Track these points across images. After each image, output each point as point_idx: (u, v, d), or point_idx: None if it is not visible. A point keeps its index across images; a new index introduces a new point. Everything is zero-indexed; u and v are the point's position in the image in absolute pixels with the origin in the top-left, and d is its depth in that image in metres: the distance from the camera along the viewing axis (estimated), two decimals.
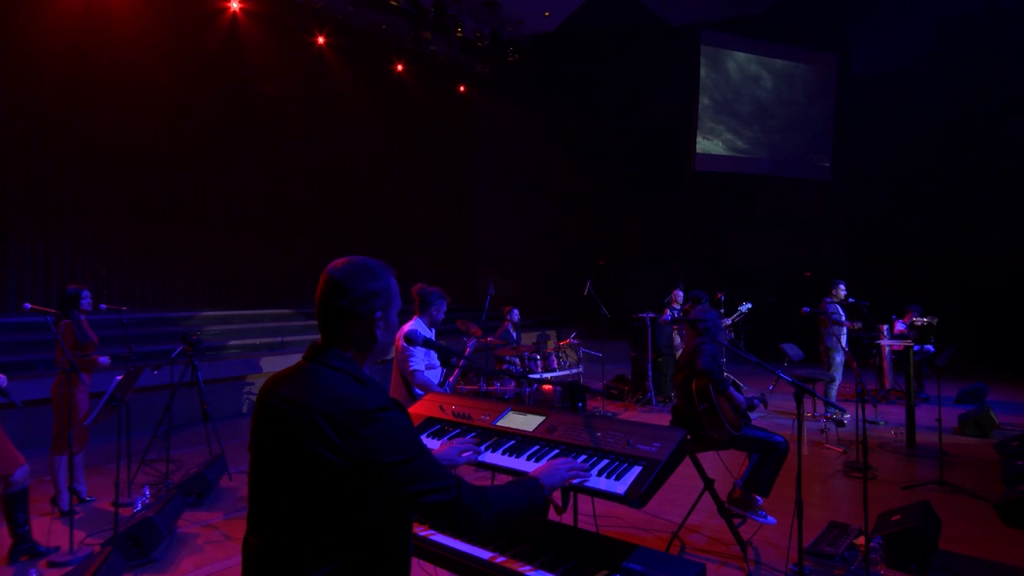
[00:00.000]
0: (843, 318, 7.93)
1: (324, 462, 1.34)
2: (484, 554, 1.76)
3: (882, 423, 7.79)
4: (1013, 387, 10.42)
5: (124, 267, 9.78)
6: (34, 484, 4.84)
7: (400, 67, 13.70)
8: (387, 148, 13.84)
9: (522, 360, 8.09)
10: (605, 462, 1.82)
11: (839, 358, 7.97)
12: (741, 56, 14.92)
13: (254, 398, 8.75)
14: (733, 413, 4.10)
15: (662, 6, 14.33)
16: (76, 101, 9.17)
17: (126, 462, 5.41)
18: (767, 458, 4.21)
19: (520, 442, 2.02)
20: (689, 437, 4.32)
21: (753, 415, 7.82)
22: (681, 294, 9.71)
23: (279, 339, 9.98)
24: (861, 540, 4.04)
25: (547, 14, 13.96)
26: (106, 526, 4.51)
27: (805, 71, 15.25)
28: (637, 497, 1.67)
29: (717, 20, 15.00)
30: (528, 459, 1.93)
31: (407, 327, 4.34)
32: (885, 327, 8.60)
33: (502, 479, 1.82)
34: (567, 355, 9.16)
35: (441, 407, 2.31)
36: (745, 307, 9.10)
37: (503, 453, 1.99)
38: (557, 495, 2.16)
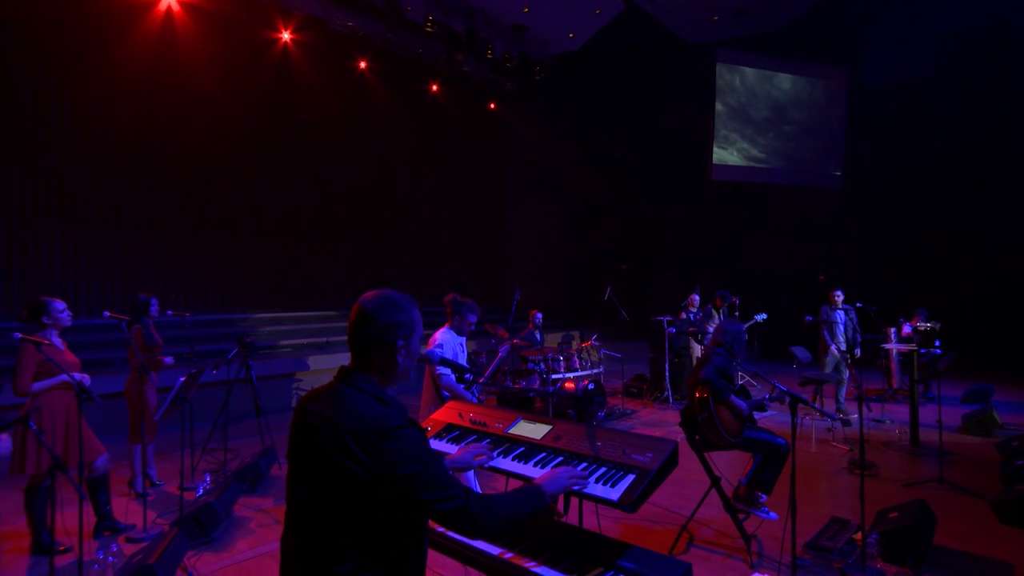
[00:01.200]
0: (839, 322, 7.78)
1: (349, 473, 1.45)
2: (493, 550, 1.85)
3: (888, 422, 7.65)
4: (1020, 388, 10.11)
5: (188, 274, 10.07)
6: (113, 468, 5.13)
7: (435, 87, 13.83)
8: (423, 162, 13.96)
9: (546, 360, 8.13)
10: (603, 470, 1.90)
11: (828, 359, 7.86)
12: (755, 71, 14.73)
13: (302, 394, 9.00)
14: (734, 421, 4.11)
15: (680, 25, 14.22)
16: (147, 125, 9.48)
17: (190, 451, 5.66)
18: (769, 459, 4.22)
19: (529, 449, 2.12)
20: (697, 438, 4.38)
21: (767, 414, 7.81)
22: (698, 298, 9.66)
23: (324, 339, 10.16)
24: (860, 535, 4.03)
25: (571, 35, 13.97)
26: (173, 508, 4.73)
27: (817, 84, 14.97)
28: (629, 503, 1.75)
29: (732, 38, 14.80)
30: (535, 465, 2.02)
31: (438, 335, 4.44)
32: (892, 330, 8.44)
33: (514, 483, 1.91)
34: (588, 356, 9.19)
35: (460, 415, 2.42)
36: (760, 317, 9.02)
37: (513, 459, 2.08)
38: (560, 501, 2.25)
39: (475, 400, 4.17)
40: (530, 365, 8.21)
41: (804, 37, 14.65)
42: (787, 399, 3.14)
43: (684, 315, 9.51)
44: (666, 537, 4.35)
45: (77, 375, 3.81)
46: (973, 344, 12.05)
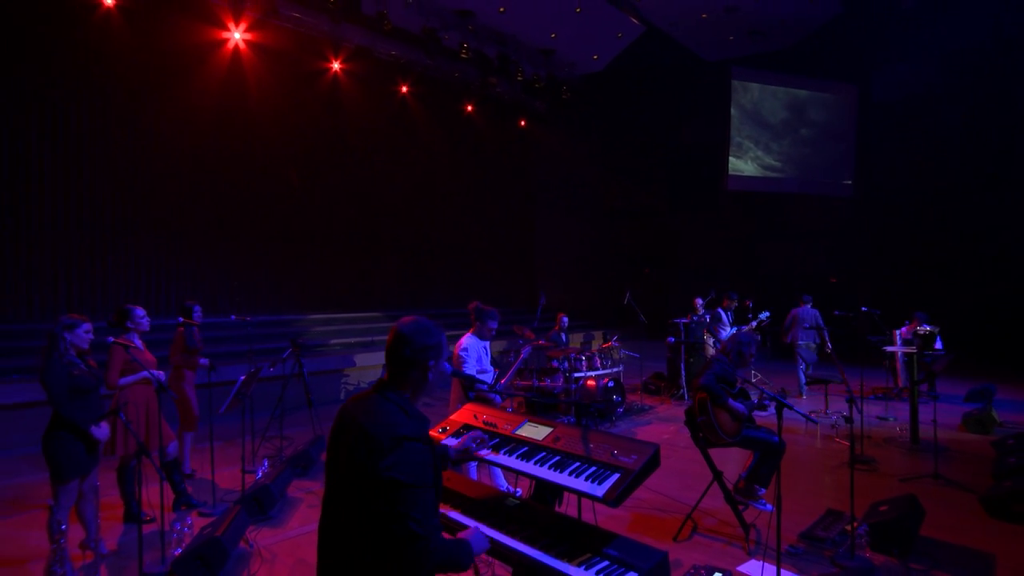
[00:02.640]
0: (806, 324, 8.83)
1: (365, 469, 1.59)
2: (498, 535, 1.99)
3: (891, 419, 7.49)
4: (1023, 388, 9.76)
5: (250, 280, 10.44)
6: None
7: (470, 107, 14.01)
8: (459, 176, 14.12)
9: (569, 360, 8.21)
10: (593, 469, 2.02)
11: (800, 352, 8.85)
12: (768, 88, 14.52)
13: (349, 387, 9.33)
14: (731, 423, 4.15)
15: (697, 44, 14.09)
16: (217, 147, 9.93)
17: (250, 438, 5.96)
18: (766, 456, 4.25)
19: (531, 449, 2.25)
20: (701, 435, 4.44)
21: (769, 412, 7.74)
22: (701, 301, 9.54)
23: (370, 339, 10.44)
24: (851, 527, 4.04)
25: (595, 57, 14.00)
26: (237, 488, 5.04)
27: (827, 99, 14.67)
28: (612, 499, 1.87)
29: (747, 55, 14.59)
30: (535, 463, 2.14)
31: (463, 339, 4.60)
32: (898, 332, 8.25)
33: (523, 481, 2.04)
34: (609, 355, 9.23)
35: (475, 416, 2.57)
36: (765, 315, 8.93)
37: (517, 457, 2.21)
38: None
39: (498, 399, 4.33)
40: (554, 363, 8.30)
41: (815, 55, 14.41)
42: (771, 405, 3.19)
43: (692, 318, 9.44)
44: (672, 525, 4.40)
45: (156, 372, 4.13)
46: (979, 345, 11.85)
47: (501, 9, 11.63)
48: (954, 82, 13.16)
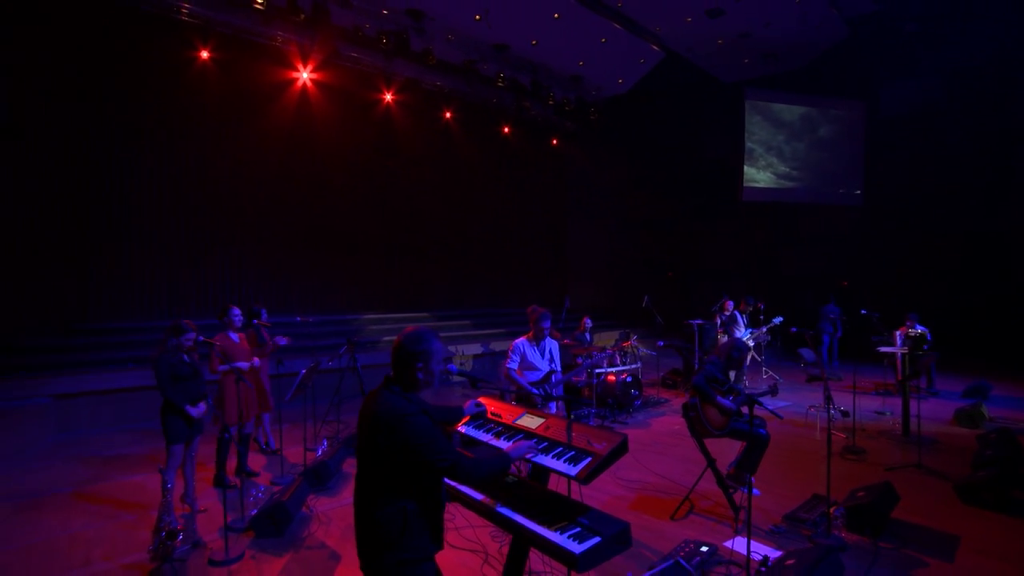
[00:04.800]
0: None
1: (380, 446, 1.91)
2: (498, 507, 2.25)
3: (888, 414, 7.34)
4: (1021, 385, 9.35)
5: (313, 284, 10.96)
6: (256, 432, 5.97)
7: (506, 129, 14.16)
8: (497, 190, 14.31)
9: (591, 357, 8.34)
10: (571, 453, 2.26)
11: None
12: (780, 106, 14.25)
13: None
14: (719, 417, 4.28)
15: (714, 67, 13.94)
16: (288, 171, 10.51)
17: (312, 422, 6.42)
18: (753, 446, 4.36)
19: (525, 435, 2.50)
20: (696, 427, 4.57)
21: (781, 403, 7.71)
22: (732, 303, 9.52)
23: None
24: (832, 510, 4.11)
25: (620, 81, 14.04)
26: (300, 463, 5.50)
27: (836, 115, 14.26)
28: (583, 478, 2.11)
29: (761, 76, 14.32)
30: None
31: (516, 343, 4.72)
32: (898, 333, 8.06)
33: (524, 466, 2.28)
34: (630, 353, 9.32)
35: (487, 408, 2.84)
36: (777, 320, 8.84)
37: (513, 443, 2.48)
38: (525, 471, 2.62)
39: (538, 393, 4.45)
40: (578, 359, 8.49)
41: (825, 74, 14.08)
42: (743, 398, 3.33)
43: (718, 319, 9.42)
44: (672, 505, 4.55)
45: (242, 363, 4.67)
46: (984, 346, 11.61)
47: (533, 42, 11.87)
48: (957, 98, 12.75)
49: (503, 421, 2.67)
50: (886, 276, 13.78)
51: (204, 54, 9.24)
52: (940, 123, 13.01)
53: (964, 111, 12.70)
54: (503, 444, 2.50)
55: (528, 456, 2.24)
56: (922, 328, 8.29)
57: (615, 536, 2.01)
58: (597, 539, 1.97)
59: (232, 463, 5.20)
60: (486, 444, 2.56)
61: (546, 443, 2.41)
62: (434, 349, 2.08)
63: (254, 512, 4.19)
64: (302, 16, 9.28)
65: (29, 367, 7.09)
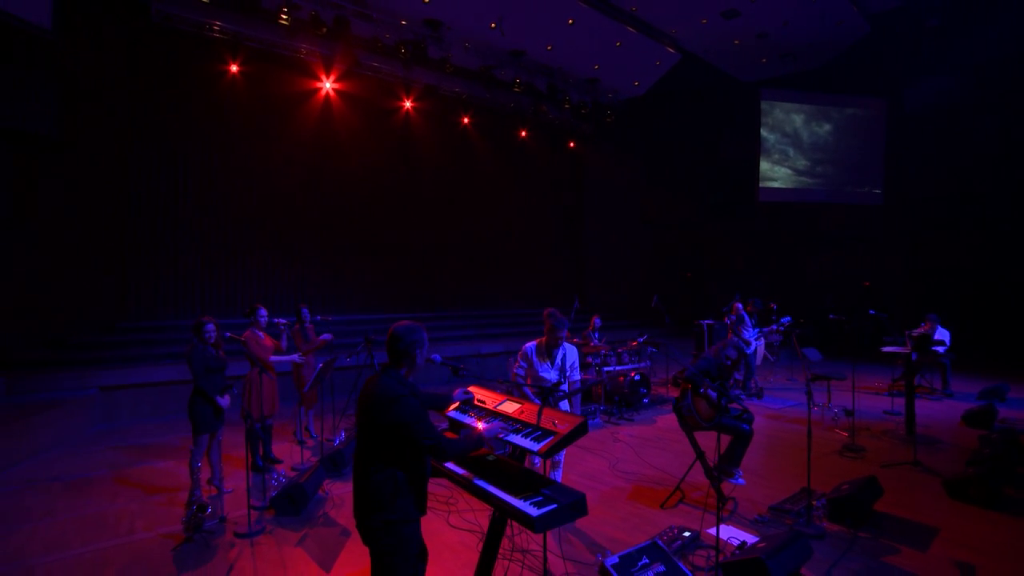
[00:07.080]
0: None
1: (375, 422, 2.26)
2: (477, 480, 2.58)
3: (897, 414, 7.38)
4: None
5: (335, 285, 11.49)
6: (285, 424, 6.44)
7: (524, 132, 14.43)
8: (515, 192, 14.57)
9: (600, 356, 8.57)
10: (538, 433, 2.58)
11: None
12: (796, 105, 14.16)
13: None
14: (708, 409, 4.52)
15: (731, 67, 13.95)
16: (313, 176, 11.08)
17: (331, 414, 6.89)
18: (738, 440, 4.58)
19: (503, 419, 2.84)
20: (687, 420, 4.83)
21: (788, 403, 7.81)
22: (740, 305, 9.63)
23: (432, 336, 11.16)
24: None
25: (636, 83, 14.19)
26: (318, 451, 5.95)
27: (856, 114, 14.08)
28: (543, 453, 2.42)
29: (779, 75, 14.25)
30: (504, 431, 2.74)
31: (525, 347, 4.50)
32: (914, 333, 8.07)
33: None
34: (639, 352, 9.51)
35: (475, 396, 3.18)
36: (786, 320, 8.92)
37: (487, 424, 2.81)
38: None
39: (562, 402, 4.29)
40: (588, 358, 8.73)
41: (845, 72, 13.90)
42: (714, 394, 3.56)
43: (727, 319, 9.54)
44: (664, 495, 4.80)
45: (275, 357, 5.24)
46: (1008, 347, 11.31)
47: (549, 47, 12.16)
48: (984, 93, 12.36)
49: (486, 407, 3.00)
50: (907, 276, 13.56)
51: (234, 68, 9.88)
52: (964, 120, 12.73)
53: (989, 107, 12.39)
54: (483, 426, 2.84)
55: (500, 435, 2.57)
56: (943, 330, 8.26)
57: (571, 504, 2.32)
58: (554, 505, 2.29)
59: (277, 454, 5.67)
60: (470, 426, 2.90)
61: (518, 425, 2.73)
62: (423, 338, 2.43)
63: (274, 494, 4.64)
64: (324, 29, 9.81)
65: (76, 362, 7.78)
